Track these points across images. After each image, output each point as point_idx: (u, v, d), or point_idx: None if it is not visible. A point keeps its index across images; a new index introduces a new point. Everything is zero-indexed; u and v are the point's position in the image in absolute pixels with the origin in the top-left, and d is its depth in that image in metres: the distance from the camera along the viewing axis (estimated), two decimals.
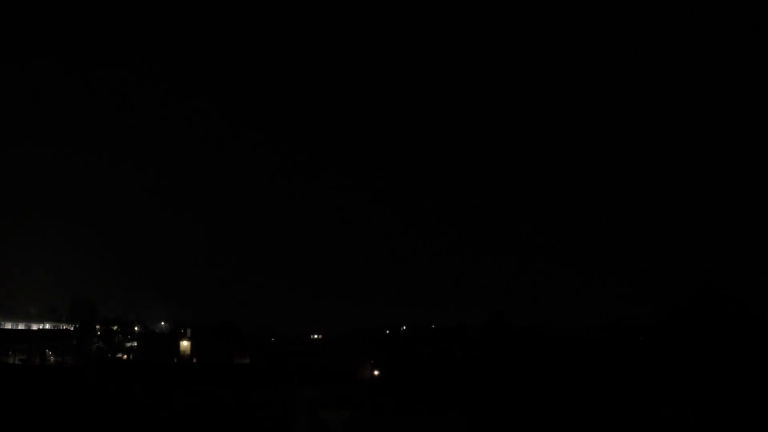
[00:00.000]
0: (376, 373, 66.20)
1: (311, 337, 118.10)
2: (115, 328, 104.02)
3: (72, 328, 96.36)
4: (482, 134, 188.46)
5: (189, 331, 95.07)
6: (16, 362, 74.17)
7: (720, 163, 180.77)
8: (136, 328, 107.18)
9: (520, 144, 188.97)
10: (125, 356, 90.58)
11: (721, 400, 34.99)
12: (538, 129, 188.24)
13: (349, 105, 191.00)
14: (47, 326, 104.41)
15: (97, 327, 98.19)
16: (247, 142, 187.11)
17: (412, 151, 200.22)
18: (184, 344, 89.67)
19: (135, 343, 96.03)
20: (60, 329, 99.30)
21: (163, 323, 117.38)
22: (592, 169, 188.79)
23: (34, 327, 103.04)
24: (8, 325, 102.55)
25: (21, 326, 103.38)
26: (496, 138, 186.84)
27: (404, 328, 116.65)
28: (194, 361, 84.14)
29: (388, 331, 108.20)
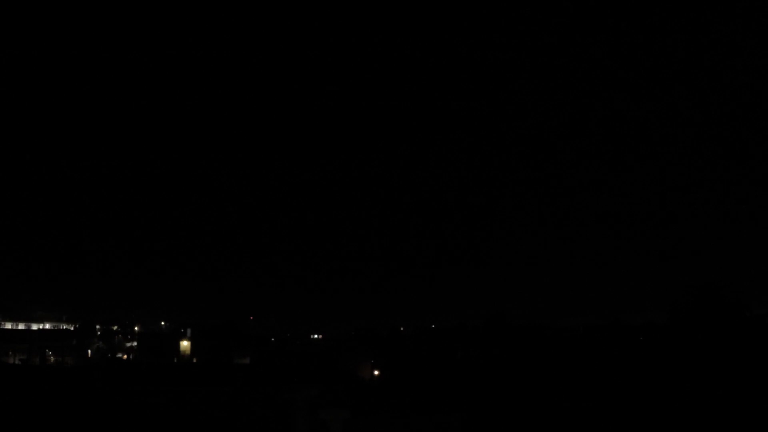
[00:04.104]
0: (376, 373, 66.24)
1: (311, 337, 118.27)
2: (115, 328, 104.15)
3: (72, 328, 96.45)
4: (479, 133, 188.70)
5: (189, 331, 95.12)
6: (16, 362, 74.18)
7: (720, 163, 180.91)
8: (136, 328, 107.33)
9: (517, 142, 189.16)
10: (125, 356, 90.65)
11: (721, 400, 35.04)
12: (537, 128, 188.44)
13: (350, 104, 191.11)
14: (47, 326, 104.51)
15: (97, 327, 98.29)
16: (247, 142, 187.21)
17: (411, 151, 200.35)
18: (184, 344, 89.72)
19: (135, 343, 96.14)
20: (60, 329, 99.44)
21: (163, 323, 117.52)
22: (592, 168, 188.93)
23: (34, 327, 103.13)
24: (8, 325, 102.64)
25: (21, 326, 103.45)
26: (492, 136, 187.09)
27: (403, 328, 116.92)
28: (194, 361, 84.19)
29: (388, 332, 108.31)
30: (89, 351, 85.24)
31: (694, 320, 46.13)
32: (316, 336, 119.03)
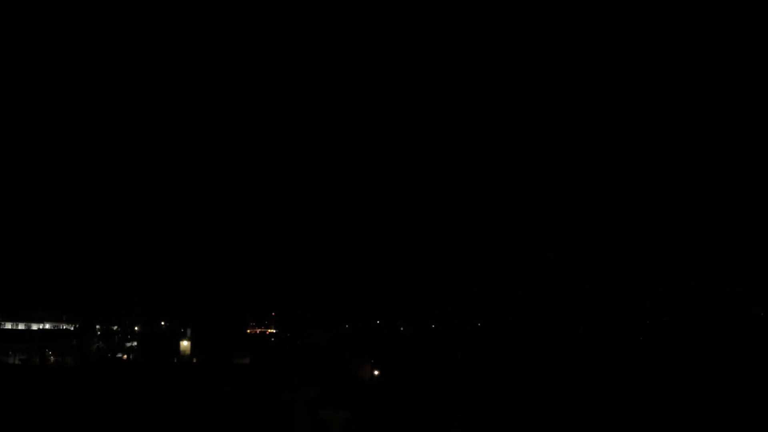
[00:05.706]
0: (376, 373, 66.17)
1: (311, 337, 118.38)
2: (115, 328, 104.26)
3: (72, 328, 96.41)
4: (474, 129, 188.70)
5: (189, 331, 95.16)
6: (16, 362, 74.16)
7: (720, 162, 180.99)
8: (136, 328, 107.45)
9: (515, 140, 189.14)
10: (125, 356, 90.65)
11: (720, 397, 35.07)
12: (533, 125, 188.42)
13: (349, 104, 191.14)
14: (47, 326, 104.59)
15: (97, 327, 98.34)
16: (246, 141, 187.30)
17: (408, 152, 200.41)
18: (184, 344, 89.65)
19: (135, 343, 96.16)
20: (60, 329, 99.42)
21: (163, 323, 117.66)
22: (592, 166, 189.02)
23: (34, 327, 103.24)
24: (8, 325, 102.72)
25: (21, 326, 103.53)
26: (488, 133, 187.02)
27: (403, 328, 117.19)
28: (194, 361, 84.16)
29: (388, 332, 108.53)
30: (89, 351, 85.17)
31: (696, 320, 46.20)
32: (315, 336, 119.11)
